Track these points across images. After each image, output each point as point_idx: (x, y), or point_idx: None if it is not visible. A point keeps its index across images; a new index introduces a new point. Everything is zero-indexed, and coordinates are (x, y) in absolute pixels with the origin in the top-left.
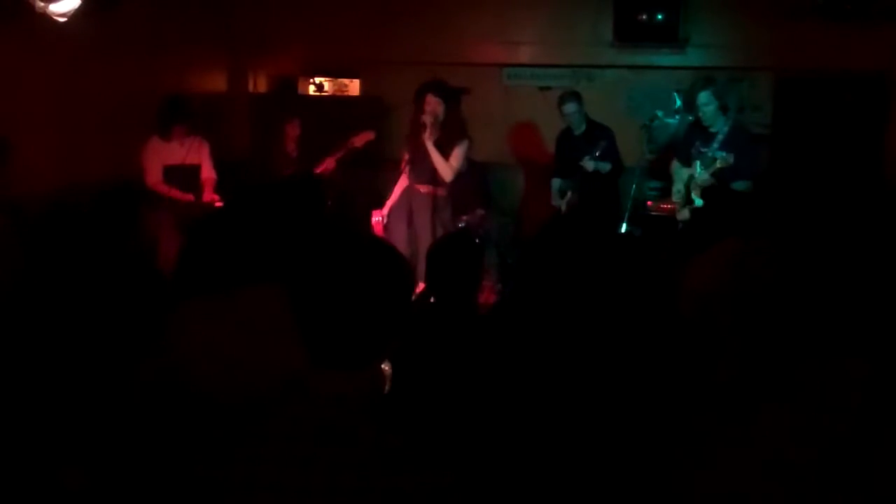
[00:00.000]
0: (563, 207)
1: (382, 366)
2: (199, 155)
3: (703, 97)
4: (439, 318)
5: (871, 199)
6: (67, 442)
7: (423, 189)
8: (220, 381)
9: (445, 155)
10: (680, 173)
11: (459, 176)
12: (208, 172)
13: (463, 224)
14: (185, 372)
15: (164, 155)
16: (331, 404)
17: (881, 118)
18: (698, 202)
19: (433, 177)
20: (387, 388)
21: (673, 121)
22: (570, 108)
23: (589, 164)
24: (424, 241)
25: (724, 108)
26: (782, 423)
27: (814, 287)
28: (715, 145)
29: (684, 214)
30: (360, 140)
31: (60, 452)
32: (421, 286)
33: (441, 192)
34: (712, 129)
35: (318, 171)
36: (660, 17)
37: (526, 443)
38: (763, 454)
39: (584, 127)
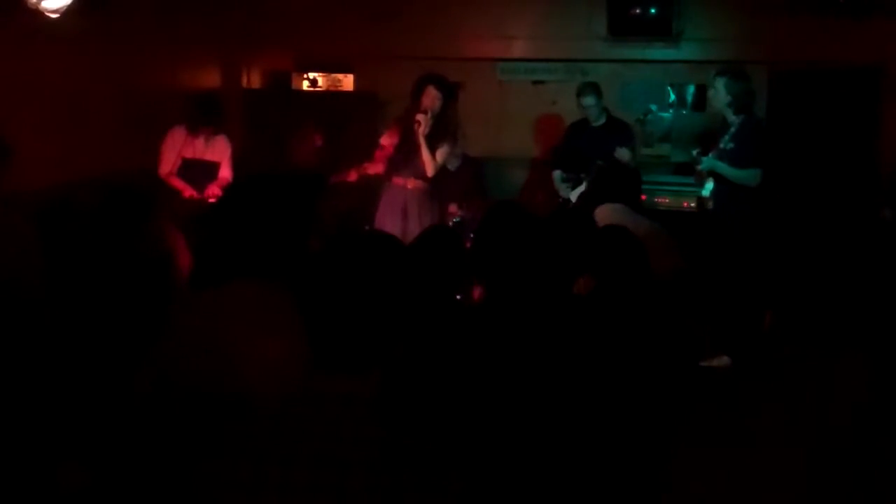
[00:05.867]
0: (574, 199)
1: None
2: (220, 153)
3: (717, 82)
4: (426, 314)
5: (866, 192)
6: (67, 440)
7: (414, 184)
8: (215, 374)
9: (434, 150)
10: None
11: (455, 170)
12: (226, 172)
13: (458, 219)
14: (182, 365)
15: (184, 147)
16: (338, 404)
17: (875, 111)
18: (706, 192)
19: (424, 170)
20: None
21: (667, 115)
22: (589, 100)
23: (625, 154)
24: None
25: (735, 106)
26: (781, 418)
27: (810, 280)
28: (727, 137)
29: (710, 205)
30: (373, 168)
31: (60, 451)
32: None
33: (432, 186)
34: (727, 121)
35: (335, 179)
36: (653, 11)
37: (524, 439)
38: (761, 450)
39: (603, 119)
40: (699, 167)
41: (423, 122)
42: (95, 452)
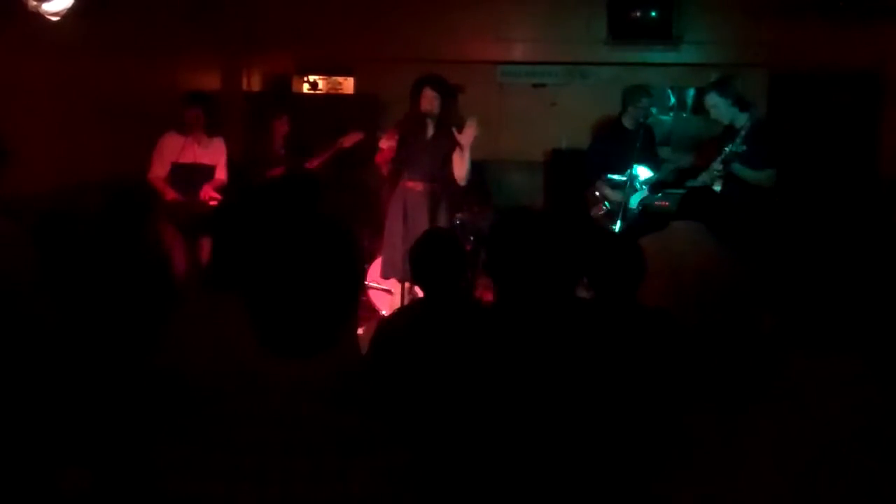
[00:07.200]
0: (636, 205)
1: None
2: (216, 156)
3: (709, 99)
4: (428, 313)
5: (865, 196)
6: (66, 442)
7: (419, 187)
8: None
9: (442, 154)
10: (709, 170)
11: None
12: (221, 174)
13: (459, 221)
14: (177, 365)
15: (176, 151)
16: (283, 390)
17: (875, 115)
18: None
19: (429, 174)
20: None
21: (667, 118)
22: (647, 101)
23: (688, 161)
24: None
25: (741, 104)
26: (776, 422)
27: (809, 282)
28: (738, 140)
29: None
30: (349, 140)
31: (58, 453)
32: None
33: (437, 188)
34: (735, 126)
35: (312, 164)
36: (653, 14)
37: (515, 440)
38: (757, 453)
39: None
40: (714, 173)
41: (467, 136)
42: (95, 453)
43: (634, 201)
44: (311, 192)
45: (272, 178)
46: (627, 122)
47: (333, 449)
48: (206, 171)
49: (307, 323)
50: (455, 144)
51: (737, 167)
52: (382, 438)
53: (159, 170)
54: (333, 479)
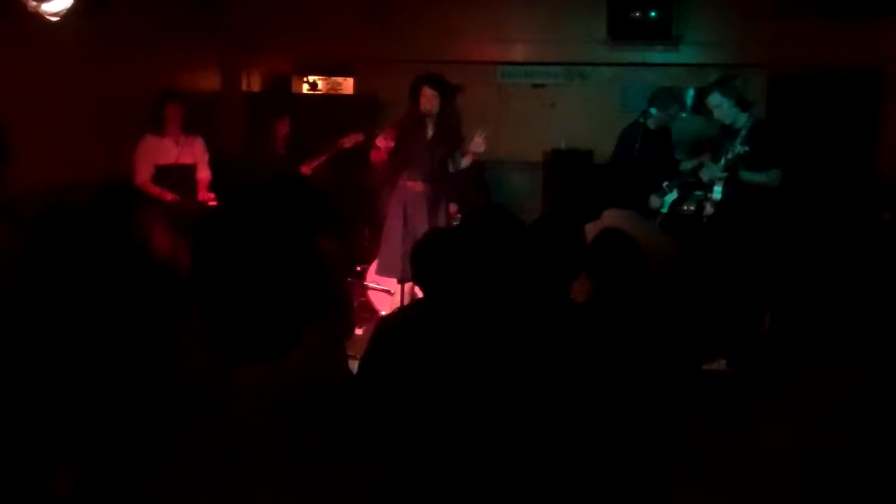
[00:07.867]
0: (666, 209)
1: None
2: (194, 154)
3: (712, 99)
4: (427, 314)
5: (866, 195)
6: (58, 444)
7: (419, 187)
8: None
9: (442, 154)
10: (710, 170)
11: (455, 172)
12: (203, 172)
13: (459, 220)
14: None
15: (156, 154)
16: (247, 396)
17: (874, 114)
18: (717, 194)
19: (429, 174)
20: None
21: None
22: (676, 107)
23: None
24: None
25: (743, 104)
26: (777, 422)
27: (810, 282)
28: (738, 141)
29: (708, 209)
30: (349, 141)
31: (50, 454)
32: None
33: (437, 188)
34: (735, 126)
35: (304, 170)
36: (653, 14)
37: (516, 442)
38: (757, 454)
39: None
40: (717, 175)
41: (475, 146)
42: (87, 455)
43: (667, 203)
44: (294, 197)
45: (254, 183)
46: (652, 125)
47: (295, 456)
48: (187, 171)
49: (256, 327)
50: (455, 144)
51: (745, 174)
52: (346, 446)
53: (144, 174)
54: (295, 487)
